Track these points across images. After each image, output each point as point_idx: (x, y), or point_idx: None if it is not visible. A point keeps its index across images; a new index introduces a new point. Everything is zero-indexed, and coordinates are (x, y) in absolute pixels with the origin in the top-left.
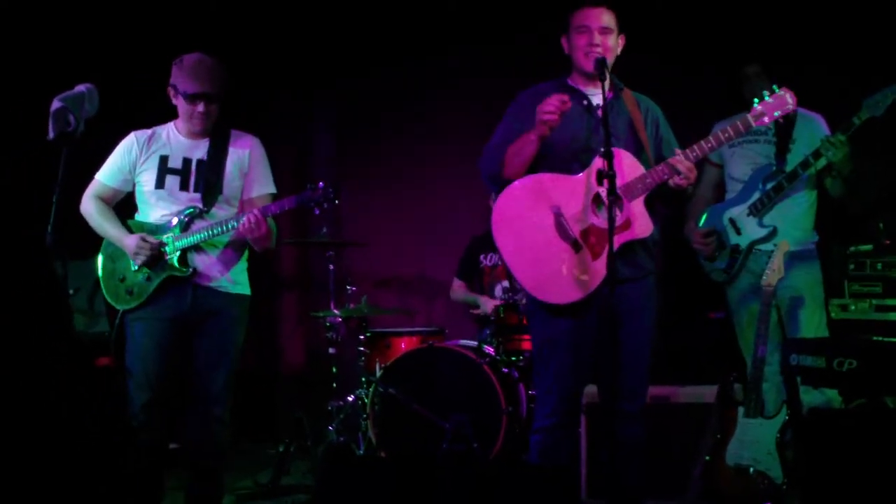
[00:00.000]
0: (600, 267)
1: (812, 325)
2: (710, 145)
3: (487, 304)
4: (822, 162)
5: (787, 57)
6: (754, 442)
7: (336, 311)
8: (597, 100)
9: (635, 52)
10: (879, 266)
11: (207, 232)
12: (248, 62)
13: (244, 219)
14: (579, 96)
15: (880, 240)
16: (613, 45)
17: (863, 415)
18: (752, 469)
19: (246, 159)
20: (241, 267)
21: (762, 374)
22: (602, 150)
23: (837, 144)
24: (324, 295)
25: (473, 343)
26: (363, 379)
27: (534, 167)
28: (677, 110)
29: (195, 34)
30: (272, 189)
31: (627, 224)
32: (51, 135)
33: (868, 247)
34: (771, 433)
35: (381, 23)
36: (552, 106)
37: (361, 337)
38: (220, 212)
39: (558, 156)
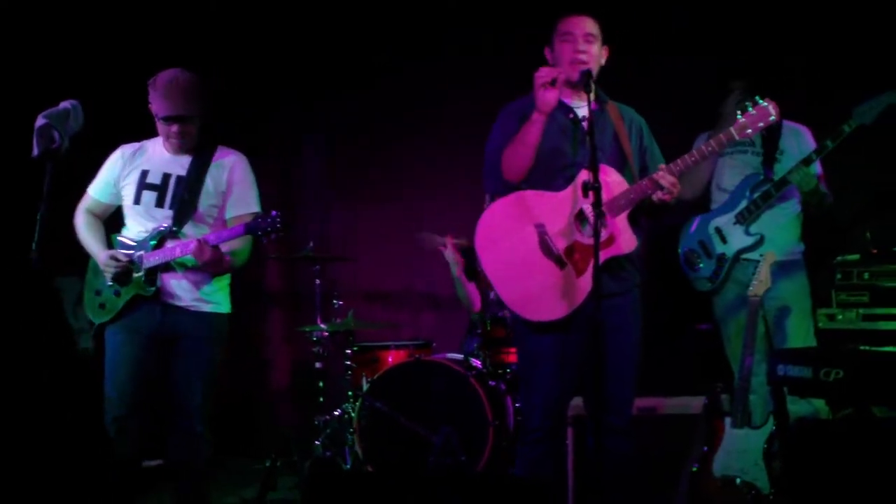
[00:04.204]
0: (584, 283)
1: (799, 335)
2: (693, 159)
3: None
4: (813, 169)
5: (774, 69)
6: (741, 452)
7: (323, 326)
8: (582, 112)
9: (619, 58)
10: (866, 275)
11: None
12: (237, 77)
13: (190, 246)
14: (565, 109)
15: (867, 249)
16: (597, 53)
17: (850, 425)
18: (739, 480)
19: (224, 177)
20: (215, 286)
21: (749, 384)
22: (587, 163)
23: (803, 174)
24: (310, 310)
25: (460, 356)
26: (350, 393)
27: (517, 185)
28: (659, 118)
29: (184, 49)
30: (254, 208)
31: (611, 239)
32: (35, 152)
33: (855, 256)
34: (758, 443)
35: (369, 39)
36: (546, 73)
37: (348, 351)
38: (192, 231)
39: (543, 171)
